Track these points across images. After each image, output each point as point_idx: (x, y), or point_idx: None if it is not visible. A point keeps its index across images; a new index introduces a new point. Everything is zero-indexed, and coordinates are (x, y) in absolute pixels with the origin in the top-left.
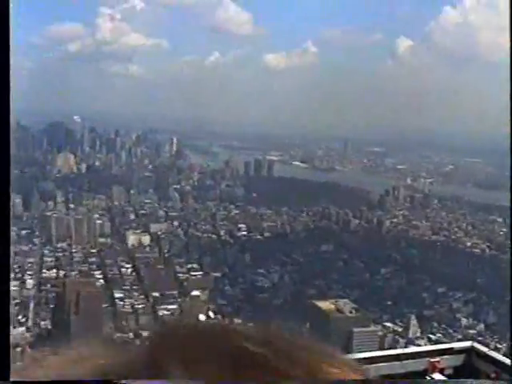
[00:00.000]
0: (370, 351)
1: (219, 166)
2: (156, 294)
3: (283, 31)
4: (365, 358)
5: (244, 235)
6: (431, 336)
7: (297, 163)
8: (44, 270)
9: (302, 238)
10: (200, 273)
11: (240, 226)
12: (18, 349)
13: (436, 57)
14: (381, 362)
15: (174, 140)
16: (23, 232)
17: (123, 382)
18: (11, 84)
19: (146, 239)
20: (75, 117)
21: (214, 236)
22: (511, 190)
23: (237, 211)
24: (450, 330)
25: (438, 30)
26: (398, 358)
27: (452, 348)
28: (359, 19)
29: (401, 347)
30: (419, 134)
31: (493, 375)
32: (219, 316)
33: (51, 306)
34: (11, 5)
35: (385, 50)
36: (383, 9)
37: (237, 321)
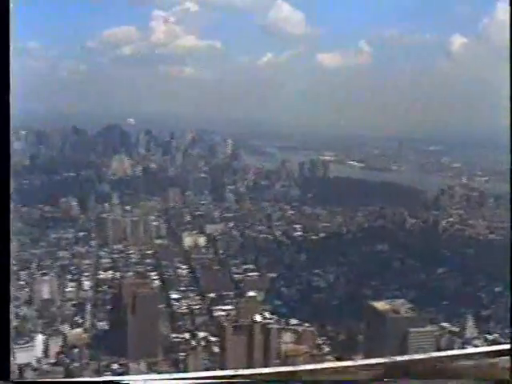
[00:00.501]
0: (427, 351)
1: (274, 166)
2: (212, 295)
3: (337, 31)
4: (422, 359)
5: (300, 235)
6: (488, 336)
7: (352, 163)
8: (100, 272)
9: (358, 238)
10: (256, 273)
11: (295, 226)
12: (76, 350)
13: (491, 53)
14: (437, 363)
15: (229, 141)
16: (80, 234)
17: (123, 381)
18: (68, 88)
19: (202, 240)
20: (130, 119)
21: (269, 236)
22: (511, 188)
23: (292, 212)
24: (507, 330)
25: (493, 26)
26: (456, 358)
27: (510, 348)
28: (413, 18)
29: (458, 347)
30: (475, 131)
31: None
32: (275, 316)
33: (108, 307)
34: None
35: (439, 48)
36: (437, 7)
37: (293, 321)
